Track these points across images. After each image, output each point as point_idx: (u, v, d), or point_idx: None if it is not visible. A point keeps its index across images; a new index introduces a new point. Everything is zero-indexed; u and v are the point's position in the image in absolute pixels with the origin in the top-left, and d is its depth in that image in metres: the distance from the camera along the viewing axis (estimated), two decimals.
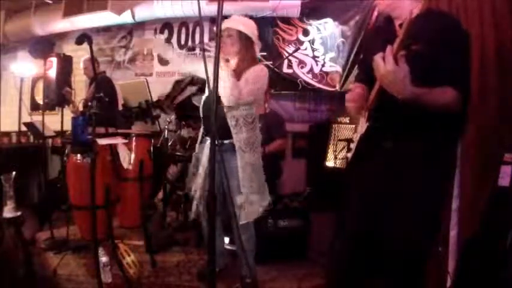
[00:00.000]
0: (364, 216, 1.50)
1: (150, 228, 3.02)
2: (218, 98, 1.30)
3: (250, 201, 2.15)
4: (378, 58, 1.22)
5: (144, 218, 3.09)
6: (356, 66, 1.87)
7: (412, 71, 1.19)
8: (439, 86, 1.29)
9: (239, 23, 2.18)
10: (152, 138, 3.72)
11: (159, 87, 4.46)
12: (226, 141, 2.17)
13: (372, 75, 1.48)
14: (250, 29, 2.20)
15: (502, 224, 1.68)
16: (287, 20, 4.56)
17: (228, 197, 2.06)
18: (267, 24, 4.63)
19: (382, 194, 1.43)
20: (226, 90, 2.08)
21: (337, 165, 3.29)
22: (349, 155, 1.59)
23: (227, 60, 2.15)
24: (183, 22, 4.97)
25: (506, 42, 1.82)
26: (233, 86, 2.04)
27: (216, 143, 2.09)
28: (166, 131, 3.85)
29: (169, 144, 3.81)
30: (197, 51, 2.31)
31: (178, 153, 3.65)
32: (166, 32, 5.13)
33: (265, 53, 4.72)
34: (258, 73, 2.14)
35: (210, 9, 3.94)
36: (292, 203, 3.05)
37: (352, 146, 1.58)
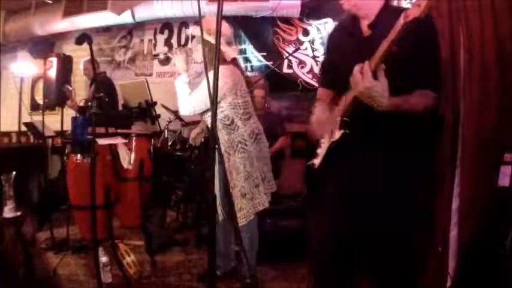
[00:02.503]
0: (344, 218, 1.45)
1: (150, 228, 3.02)
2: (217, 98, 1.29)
3: (238, 206, 2.12)
4: (356, 73, 1.19)
5: (144, 218, 3.09)
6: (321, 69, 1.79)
7: (391, 74, 1.17)
8: (416, 88, 1.27)
9: (205, 30, 2.08)
10: (152, 138, 3.72)
11: (159, 87, 4.47)
12: None
13: (339, 77, 1.42)
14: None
15: (502, 224, 1.68)
16: (287, 20, 4.56)
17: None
18: (267, 24, 4.63)
19: (363, 195, 1.39)
20: (180, 102, 2.16)
21: None
22: (316, 161, 1.52)
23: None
24: (183, 22, 4.97)
25: (506, 42, 1.82)
26: (185, 99, 2.11)
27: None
28: (166, 131, 3.85)
29: (169, 144, 3.81)
30: (161, 56, 2.31)
31: (178, 153, 3.65)
32: (166, 32, 5.14)
33: (265, 53, 4.72)
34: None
35: (210, 9, 3.94)
36: (292, 203, 3.05)
37: (319, 152, 1.51)
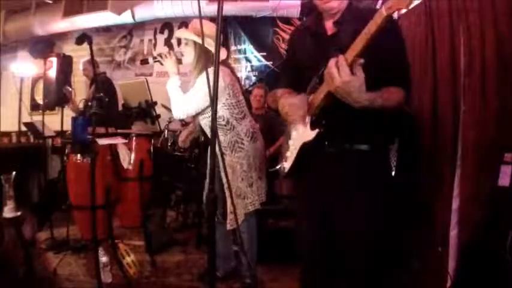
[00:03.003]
0: (317, 221, 1.45)
1: (150, 228, 3.02)
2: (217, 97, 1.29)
3: (232, 208, 2.09)
4: (332, 68, 1.15)
5: (144, 218, 3.09)
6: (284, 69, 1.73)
7: (364, 69, 1.15)
8: (385, 85, 1.26)
9: (193, 32, 2.13)
10: (152, 138, 3.72)
11: (159, 87, 4.47)
12: None
13: (303, 76, 1.42)
14: (207, 34, 2.06)
15: (502, 224, 1.68)
16: (287, 20, 4.56)
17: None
18: (267, 24, 4.63)
19: (335, 196, 1.38)
20: (173, 105, 2.15)
21: None
22: (286, 164, 1.48)
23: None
24: (183, 22, 4.97)
25: (506, 42, 1.82)
26: (178, 101, 2.11)
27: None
28: (166, 131, 3.85)
29: (169, 144, 3.81)
30: (150, 62, 2.32)
31: (178, 153, 3.65)
32: (166, 32, 5.14)
33: (265, 53, 4.72)
34: (203, 79, 2.05)
35: (210, 9, 3.94)
36: (292, 203, 3.05)
37: (289, 154, 1.47)
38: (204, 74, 2.06)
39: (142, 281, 2.43)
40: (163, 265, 2.70)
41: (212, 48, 2.05)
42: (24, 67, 5.26)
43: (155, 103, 3.40)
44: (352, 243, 1.38)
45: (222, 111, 2.11)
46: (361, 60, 1.13)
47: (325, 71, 1.18)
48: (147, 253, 2.76)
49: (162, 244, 3.01)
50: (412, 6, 1.18)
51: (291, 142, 1.46)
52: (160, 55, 2.25)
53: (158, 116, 3.48)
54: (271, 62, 4.54)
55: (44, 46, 5.14)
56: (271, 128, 3.35)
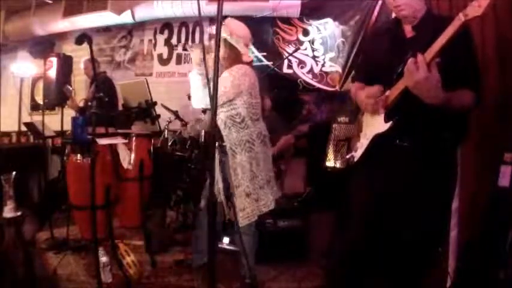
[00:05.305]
0: (371, 216, 1.49)
1: (150, 228, 3.02)
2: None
3: (241, 206, 2.12)
4: (411, 65, 1.23)
5: (144, 218, 3.09)
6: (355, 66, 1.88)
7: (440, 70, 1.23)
8: (457, 88, 1.32)
9: (226, 30, 2.13)
10: (152, 138, 3.71)
11: (159, 87, 4.47)
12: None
13: (373, 76, 1.52)
14: (237, 35, 2.13)
15: (502, 224, 1.68)
16: (287, 20, 4.55)
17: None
18: (267, 24, 4.63)
19: (393, 193, 1.44)
20: (193, 95, 2.14)
21: (337, 165, 3.29)
22: (356, 154, 1.57)
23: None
24: (183, 22, 4.97)
25: (506, 41, 1.82)
26: (199, 92, 2.07)
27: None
28: (166, 131, 3.85)
29: (169, 144, 3.81)
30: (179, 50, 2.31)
31: (178, 153, 3.65)
32: (166, 32, 5.14)
33: (265, 53, 4.72)
34: (231, 72, 2.08)
35: (210, 9, 3.94)
36: (292, 203, 3.05)
37: (359, 145, 1.56)
38: (229, 70, 2.09)
39: (142, 281, 2.43)
40: (163, 265, 2.70)
41: (239, 47, 2.13)
42: (24, 67, 5.26)
43: (155, 103, 3.40)
44: (414, 238, 1.42)
45: (242, 108, 2.13)
46: (437, 59, 1.22)
47: (405, 68, 1.27)
48: (147, 253, 2.76)
49: (162, 244, 3.00)
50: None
51: (362, 134, 1.55)
52: (191, 46, 2.25)
53: (158, 116, 3.48)
54: (272, 62, 4.54)
55: (44, 46, 5.15)
56: (273, 128, 3.35)
